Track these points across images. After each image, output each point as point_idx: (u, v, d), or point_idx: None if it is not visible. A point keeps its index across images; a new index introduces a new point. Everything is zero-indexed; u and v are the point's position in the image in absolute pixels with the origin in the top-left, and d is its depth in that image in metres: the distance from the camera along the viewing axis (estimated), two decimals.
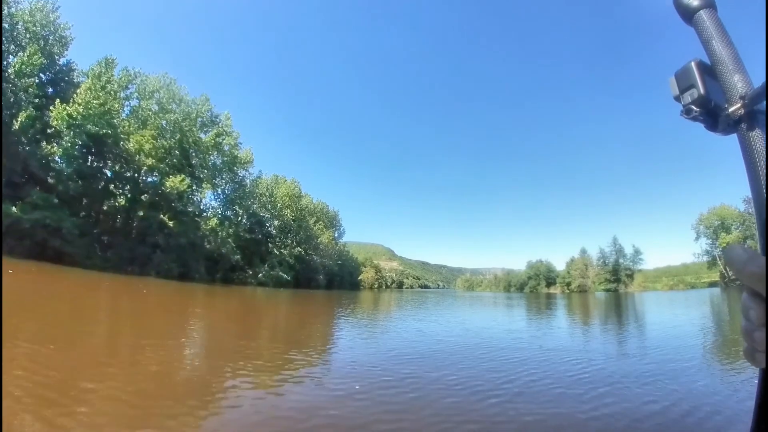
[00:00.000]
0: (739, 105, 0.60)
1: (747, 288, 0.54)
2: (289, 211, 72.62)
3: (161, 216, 42.18)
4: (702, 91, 0.63)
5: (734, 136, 0.64)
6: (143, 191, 45.05)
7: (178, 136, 50.28)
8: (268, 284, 56.51)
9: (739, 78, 0.62)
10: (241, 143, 64.03)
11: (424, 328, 15.59)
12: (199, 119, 54.92)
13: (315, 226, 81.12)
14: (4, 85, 34.61)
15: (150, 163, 44.03)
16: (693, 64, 0.66)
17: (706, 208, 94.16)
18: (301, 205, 76.85)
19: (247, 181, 67.69)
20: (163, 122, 49.27)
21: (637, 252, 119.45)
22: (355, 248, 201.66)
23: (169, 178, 44.72)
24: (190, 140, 52.06)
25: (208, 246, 51.13)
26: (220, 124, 59.38)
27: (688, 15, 0.75)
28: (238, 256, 55.14)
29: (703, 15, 0.71)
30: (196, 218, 50.97)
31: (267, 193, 70.43)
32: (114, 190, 44.70)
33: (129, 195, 44.65)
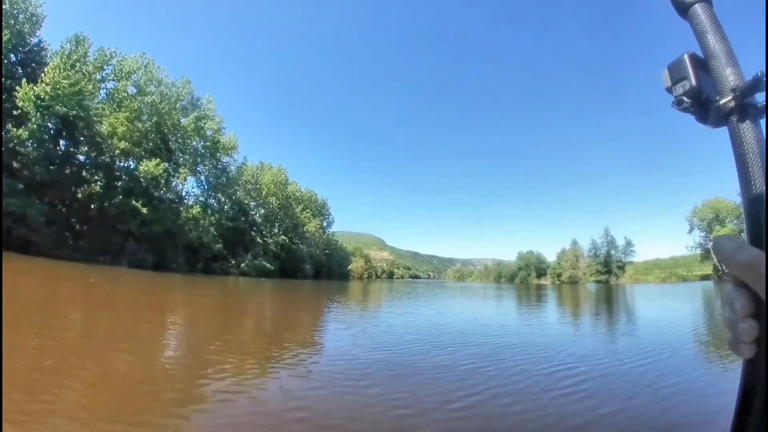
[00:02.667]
0: (730, 97, 0.62)
1: (733, 278, 0.55)
2: (274, 198, 70.60)
3: (133, 202, 40.04)
4: (694, 82, 0.65)
5: (725, 130, 0.65)
6: (118, 177, 42.96)
7: (155, 119, 48.04)
8: (251, 274, 54.73)
9: (732, 71, 0.63)
10: (224, 128, 62.00)
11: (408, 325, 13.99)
12: (180, 102, 52.75)
13: (302, 214, 79.27)
14: None
15: (123, 146, 41.83)
16: (686, 56, 0.67)
17: (700, 201, 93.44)
18: (287, 193, 74.84)
19: (232, 167, 65.70)
20: (140, 104, 46.94)
21: (628, 244, 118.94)
22: (346, 238, 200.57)
23: (143, 162, 42.66)
24: (169, 124, 49.83)
25: (188, 235, 49.27)
26: (202, 107, 57.17)
27: (683, 8, 0.77)
28: (220, 245, 53.30)
29: (698, 9, 0.73)
30: (174, 205, 48.91)
31: (252, 181, 68.46)
32: (87, 176, 42.51)
33: (103, 181, 42.50)
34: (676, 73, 0.66)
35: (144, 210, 40.14)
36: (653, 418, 5.19)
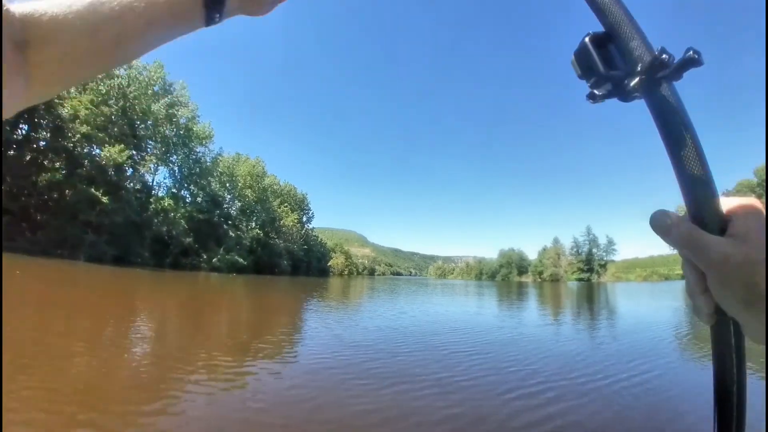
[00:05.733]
0: (641, 69, 0.57)
1: (680, 253, 0.54)
2: (250, 191, 68.06)
3: (92, 191, 37.28)
4: (601, 69, 0.60)
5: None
6: (80, 164, 40.12)
7: (122, 103, 45.30)
8: (222, 269, 52.22)
9: (638, 43, 0.58)
10: (199, 117, 59.39)
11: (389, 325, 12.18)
12: (151, 87, 49.97)
13: (280, 208, 76.92)
14: None
15: (85, 130, 39.04)
16: (587, 40, 0.61)
17: (682, 200, 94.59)
18: (264, 185, 72.32)
19: (206, 158, 63.09)
20: (107, 87, 44.10)
21: (610, 242, 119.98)
22: (327, 234, 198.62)
23: (105, 148, 40.01)
24: (137, 109, 47.12)
25: (156, 227, 46.67)
26: (175, 93, 54.45)
27: None
28: (191, 239, 50.72)
29: None
30: (138, 194, 46.25)
31: (227, 172, 65.87)
32: (46, 163, 39.61)
33: (64, 168, 39.63)
34: (583, 60, 0.60)
35: (104, 199, 37.39)
36: None
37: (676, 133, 0.53)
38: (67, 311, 10.35)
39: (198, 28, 0.55)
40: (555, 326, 14.51)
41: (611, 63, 0.59)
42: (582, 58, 0.60)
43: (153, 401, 4.66)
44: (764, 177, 76.86)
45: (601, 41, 0.60)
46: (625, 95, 0.59)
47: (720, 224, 0.50)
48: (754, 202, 0.51)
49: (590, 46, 0.59)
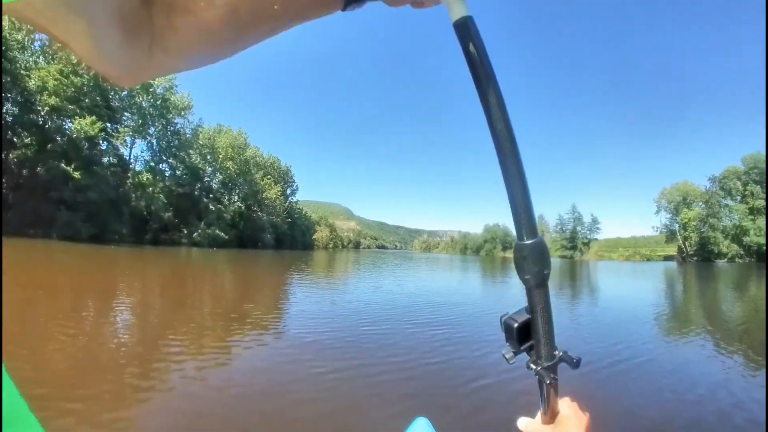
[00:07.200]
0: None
1: None
2: (232, 163, 66.67)
3: (64, 166, 36.05)
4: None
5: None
6: (51, 138, 38.65)
7: (94, 72, 43.32)
8: (204, 244, 51.60)
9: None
10: (177, 86, 57.44)
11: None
12: None
13: (263, 180, 75.78)
14: None
15: (54, 102, 37.44)
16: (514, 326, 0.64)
17: (669, 183, 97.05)
18: (246, 157, 70.91)
19: (186, 130, 61.51)
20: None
21: (594, 221, 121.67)
22: (312, 207, 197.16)
23: (76, 120, 38.57)
24: None
25: (134, 203, 45.64)
26: None
27: None
28: (170, 214, 49.81)
29: None
30: (114, 169, 44.99)
31: (208, 144, 64.36)
32: (14, 139, 38.07)
33: (34, 144, 38.13)
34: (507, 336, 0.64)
35: (76, 175, 36.23)
36: None
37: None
38: (44, 291, 9.95)
39: (334, 11, 0.51)
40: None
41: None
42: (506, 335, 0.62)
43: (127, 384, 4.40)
44: (752, 166, 77.93)
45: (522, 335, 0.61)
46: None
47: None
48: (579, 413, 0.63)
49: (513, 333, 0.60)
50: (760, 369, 6.24)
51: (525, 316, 0.61)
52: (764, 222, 73.05)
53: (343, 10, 0.51)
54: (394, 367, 5.61)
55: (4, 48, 35.16)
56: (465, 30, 0.55)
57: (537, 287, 0.59)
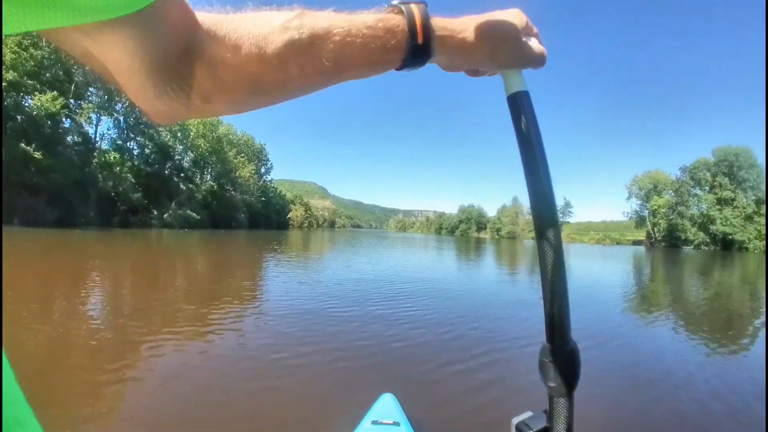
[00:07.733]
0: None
1: None
2: (203, 141, 64.85)
3: (24, 146, 34.16)
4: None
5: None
6: (9, 117, 36.42)
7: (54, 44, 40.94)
8: (174, 226, 50.27)
9: None
10: None
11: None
12: None
13: (236, 159, 74.10)
14: None
15: (12, 77, 35.24)
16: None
17: (641, 171, 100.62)
18: (218, 135, 69.09)
19: None
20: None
21: (567, 204, 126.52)
22: (287, 185, 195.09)
23: (35, 96, 36.55)
24: None
25: (101, 184, 43.86)
26: None
27: None
28: (140, 195, 48.21)
29: None
30: (79, 148, 43.01)
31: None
32: None
33: None
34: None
35: (37, 155, 34.43)
36: None
37: None
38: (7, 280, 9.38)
39: (387, 71, 0.50)
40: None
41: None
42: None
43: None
44: (722, 158, 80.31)
45: None
46: None
47: None
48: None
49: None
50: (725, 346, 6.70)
51: (542, 425, 0.57)
52: (731, 212, 76.38)
53: (398, 70, 0.51)
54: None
55: None
56: (519, 103, 0.56)
57: (561, 397, 0.55)
